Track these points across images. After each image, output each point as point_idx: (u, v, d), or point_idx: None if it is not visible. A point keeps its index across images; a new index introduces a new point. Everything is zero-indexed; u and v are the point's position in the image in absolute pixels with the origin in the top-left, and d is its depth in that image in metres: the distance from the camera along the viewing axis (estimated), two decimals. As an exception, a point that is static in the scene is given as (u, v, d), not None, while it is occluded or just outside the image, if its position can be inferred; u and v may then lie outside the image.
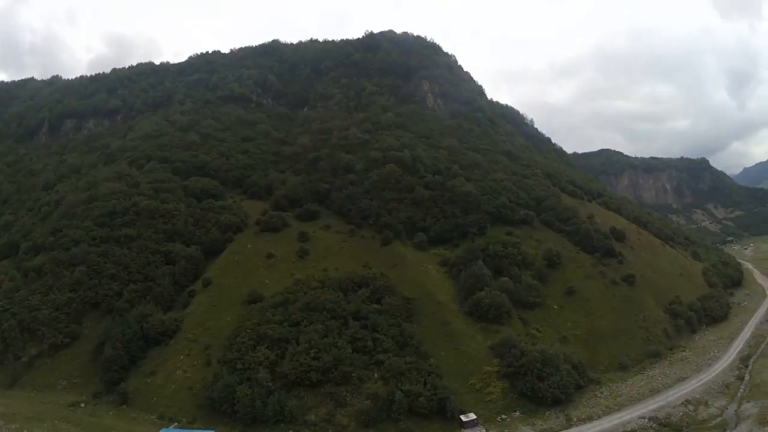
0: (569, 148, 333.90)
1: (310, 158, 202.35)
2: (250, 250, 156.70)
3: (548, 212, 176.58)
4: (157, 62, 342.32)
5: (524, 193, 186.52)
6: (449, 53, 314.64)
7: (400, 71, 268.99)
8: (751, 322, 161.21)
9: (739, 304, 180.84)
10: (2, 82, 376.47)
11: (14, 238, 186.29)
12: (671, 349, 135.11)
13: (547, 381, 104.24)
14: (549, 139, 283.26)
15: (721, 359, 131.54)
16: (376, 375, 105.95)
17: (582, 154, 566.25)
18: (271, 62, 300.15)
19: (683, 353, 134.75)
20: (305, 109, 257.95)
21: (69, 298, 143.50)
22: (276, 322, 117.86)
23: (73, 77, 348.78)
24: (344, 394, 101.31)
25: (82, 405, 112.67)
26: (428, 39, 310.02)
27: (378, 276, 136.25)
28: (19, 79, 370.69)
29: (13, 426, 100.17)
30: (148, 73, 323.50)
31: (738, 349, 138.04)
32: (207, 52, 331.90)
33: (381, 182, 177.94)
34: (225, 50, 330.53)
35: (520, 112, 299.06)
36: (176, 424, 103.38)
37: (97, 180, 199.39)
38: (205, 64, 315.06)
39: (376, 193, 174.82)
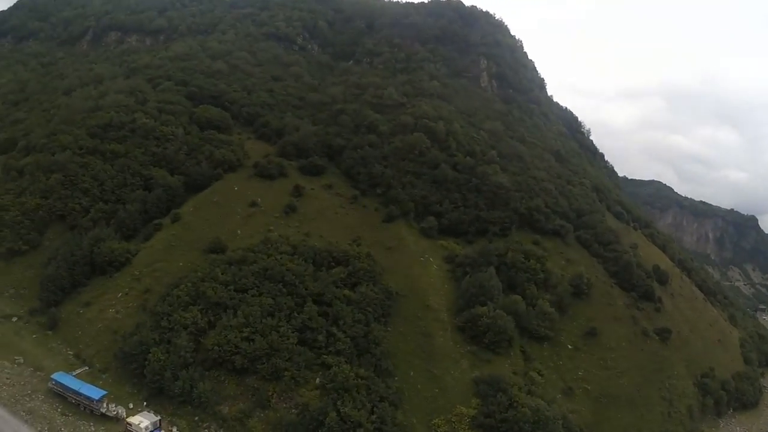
0: (618, 172, 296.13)
1: (334, 110, 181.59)
2: (235, 193, 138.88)
3: (587, 230, 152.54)
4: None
5: (565, 200, 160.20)
6: (515, 37, 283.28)
7: (459, 43, 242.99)
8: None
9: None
10: None
11: (15, 135, 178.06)
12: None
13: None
14: (602, 155, 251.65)
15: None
16: (317, 380, 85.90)
17: (631, 180, 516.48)
18: (327, 10, 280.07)
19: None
20: (350, 63, 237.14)
21: (37, 204, 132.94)
22: (221, 282, 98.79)
23: None
24: (270, 393, 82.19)
25: (14, 319, 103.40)
26: (496, 17, 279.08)
27: (362, 256, 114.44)
28: None
29: None
30: (201, 0, 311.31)
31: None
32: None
33: (403, 150, 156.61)
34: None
35: (578, 119, 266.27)
36: (85, 369, 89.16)
37: (108, 91, 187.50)
38: (260, 0, 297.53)
39: (394, 161, 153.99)
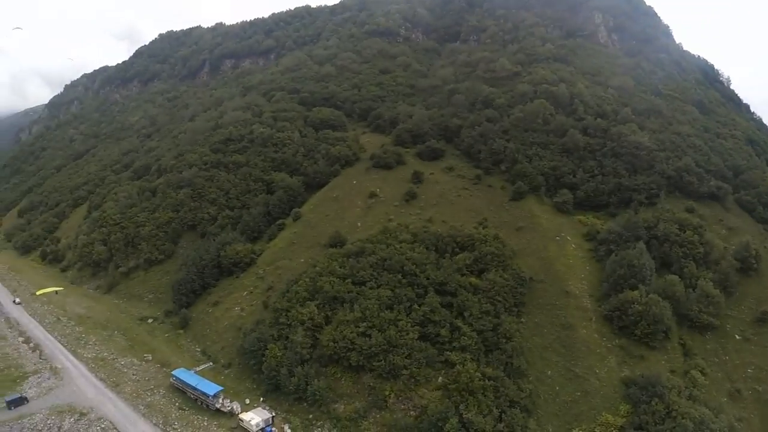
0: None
1: (446, 91, 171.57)
2: (354, 186, 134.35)
3: (748, 190, 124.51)
4: (313, 5, 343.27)
5: (718, 157, 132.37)
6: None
7: (567, 2, 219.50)
8: None
9: None
10: (172, 30, 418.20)
11: (149, 161, 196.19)
12: None
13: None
14: (747, 106, 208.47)
15: None
16: (438, 380, 74.26)
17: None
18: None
19: None
20: (456, 43, 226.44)
21: (170, 217, 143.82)
22: (339, 275, 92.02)
23: (234, 22, 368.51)
24: (387, 393, 72.34)
25: (150, 321, 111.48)
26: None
27: (490, 239, 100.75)
28: (187, 27, 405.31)
29: (78, 328, 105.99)
30: (302, 15, 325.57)
31: None
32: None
33: (524, 121, 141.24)
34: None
35: (714, 67, 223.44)
36: (210, 365, 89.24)
37: (226, 110, 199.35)
38: (357, 3, 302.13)
39: (516, 134, 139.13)
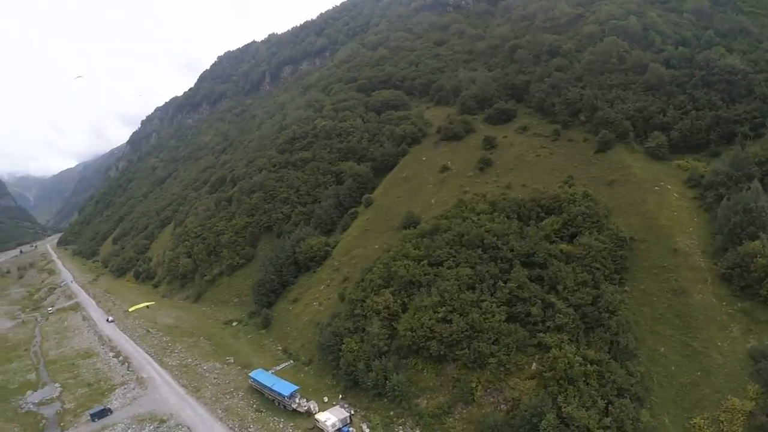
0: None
1: (506, 49, 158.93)
2: (424, 163, 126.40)
3: None
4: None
5: None
6: None
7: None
8: None
9: None
10: (229, 51, 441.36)
11: (224, 173, 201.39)
12: None
13: None
14: None
15: None
16: (532, 366, 63.14)
17: None
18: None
19: None
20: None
21: (246, 222, 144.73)
22: (413, 257, 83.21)
23: (286, 30, 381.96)
24: (474, 385, 62.52)
25: (234, 324, 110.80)
26: None
27: (579, 198, 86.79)
28: (243, 45, 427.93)
29: (165, 338, 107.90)
30: (349, 8, 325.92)
31: None
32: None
33: (597, 63, 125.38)
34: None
35: None
36: (290, 363, 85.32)
37: (288, 112, 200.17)
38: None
39: (591, 79, 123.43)
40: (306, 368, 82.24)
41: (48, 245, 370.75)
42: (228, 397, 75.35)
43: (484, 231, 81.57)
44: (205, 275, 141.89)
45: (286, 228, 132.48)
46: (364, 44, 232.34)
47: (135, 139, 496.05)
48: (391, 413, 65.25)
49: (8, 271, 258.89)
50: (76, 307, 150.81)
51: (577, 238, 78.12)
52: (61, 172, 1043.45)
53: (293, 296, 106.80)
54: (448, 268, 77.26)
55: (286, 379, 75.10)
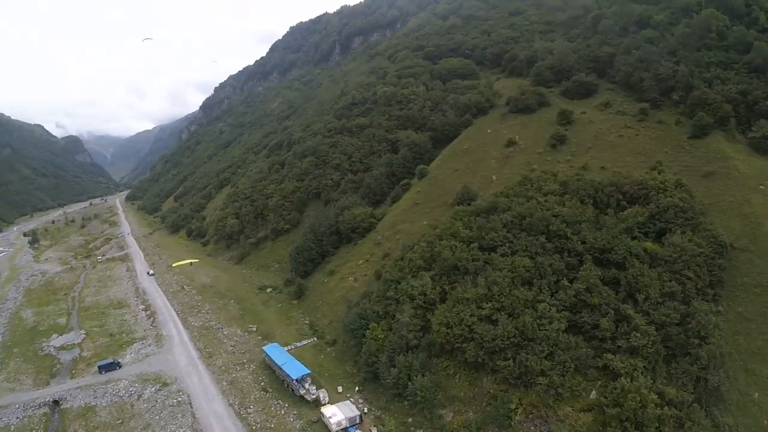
0: None
1: (589, 19, 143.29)
2: (488, 136, 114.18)
3: None
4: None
5: None
6: None
7: None
8: None
9: None
10: (301, 21, 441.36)
11: (282, 138, 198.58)
12: None
13: None
14: None
15: None
16: (591, 395, 49.93)
17: None
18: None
19: None
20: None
21: (295, 187, 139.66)
22: (463, 239, 71.37)
23: (358, 2, 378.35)
24: (514, 407, 50.38)
25: (268, 290, 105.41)
26: None
27: (671, 188, 72.18)
28: (315, 17, 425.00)
29: (197, 297, 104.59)
30: None
31: None
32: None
33: (693, 37, 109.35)
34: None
35: None
36: (313, 340, 77.99)
37: (350, 77, 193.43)
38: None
39: (686, 54, 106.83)
40: (328, 349, 74.03)
41: (117, 200, 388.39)
42: (238, 368, 69.37)
43: (551, 215, 68.06)
44: (250, 237, 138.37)
45: (334, 196, 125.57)
46: (435, 13, 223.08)
47: (207, 105, 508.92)
48: (409, 420, 55.04)
49: (73, 221, 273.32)
50: (125, 258, 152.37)
51: (666, 236, 63.48)
52: (138, 133, 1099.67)
53: (330, 268, 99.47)
54: (502, 256, 64.77)
55: (302, 359, 67.22)
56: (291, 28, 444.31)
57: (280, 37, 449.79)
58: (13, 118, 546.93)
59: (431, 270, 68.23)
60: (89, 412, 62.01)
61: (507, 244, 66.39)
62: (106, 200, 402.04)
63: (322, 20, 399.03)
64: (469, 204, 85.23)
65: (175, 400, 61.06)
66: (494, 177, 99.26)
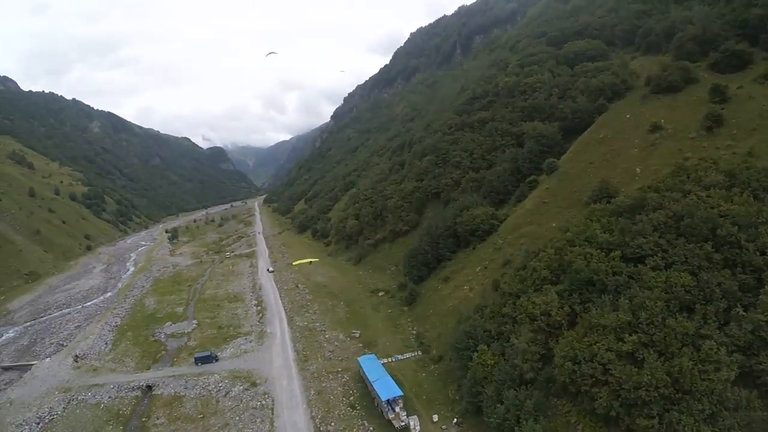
0: None
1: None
2: (627, 121, 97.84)
3: None
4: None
5: None
6: None
7: None
8: None
9: None
10: (421, 26, 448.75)
11: (404, 139, 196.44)
12: None
13: None
14: None
15: None
16: None
17: None
18: None
19: None
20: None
21: (414, 187, 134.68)
22: (600, 245, 56.89)
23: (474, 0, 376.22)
24: None
25: (380, 294, 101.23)
26: None
27: None
28: (434, 20, 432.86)
29: (308, 296, 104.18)
30: None
31: None
32: None
33: None
34: None
35: None
36: (416, 354, 70.33)
37: (471, 72, 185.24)
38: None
39: None
40: (432, 366, 65.10)
41: (256, 203, 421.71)
42: (330, 377, 64.58)
43: (717, 214, 51.40)
44: (369, 239, 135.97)
45: (454, 195, 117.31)
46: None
47: (338, 114, 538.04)
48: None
49: (212, 220, 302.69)
50: (251, 255, 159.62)
51: None
52: (277, 143, 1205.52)
53: (445, 274, 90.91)
54: (653, 269, 49.35)
55: (401, 376, 59.61)
56: (411, 33, 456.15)
57: (402, 44, 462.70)
58: (162, 132, 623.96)
59: (559, 284, 55.81)
60: (176, 401, 63.09)
61: (659, 254, 50.64)
62: (245, 202, 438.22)
63: (441, 23, 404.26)
64: (608, 202, 70.03)
65: (259, 403, 58.85)
66: (638, 169, 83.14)
